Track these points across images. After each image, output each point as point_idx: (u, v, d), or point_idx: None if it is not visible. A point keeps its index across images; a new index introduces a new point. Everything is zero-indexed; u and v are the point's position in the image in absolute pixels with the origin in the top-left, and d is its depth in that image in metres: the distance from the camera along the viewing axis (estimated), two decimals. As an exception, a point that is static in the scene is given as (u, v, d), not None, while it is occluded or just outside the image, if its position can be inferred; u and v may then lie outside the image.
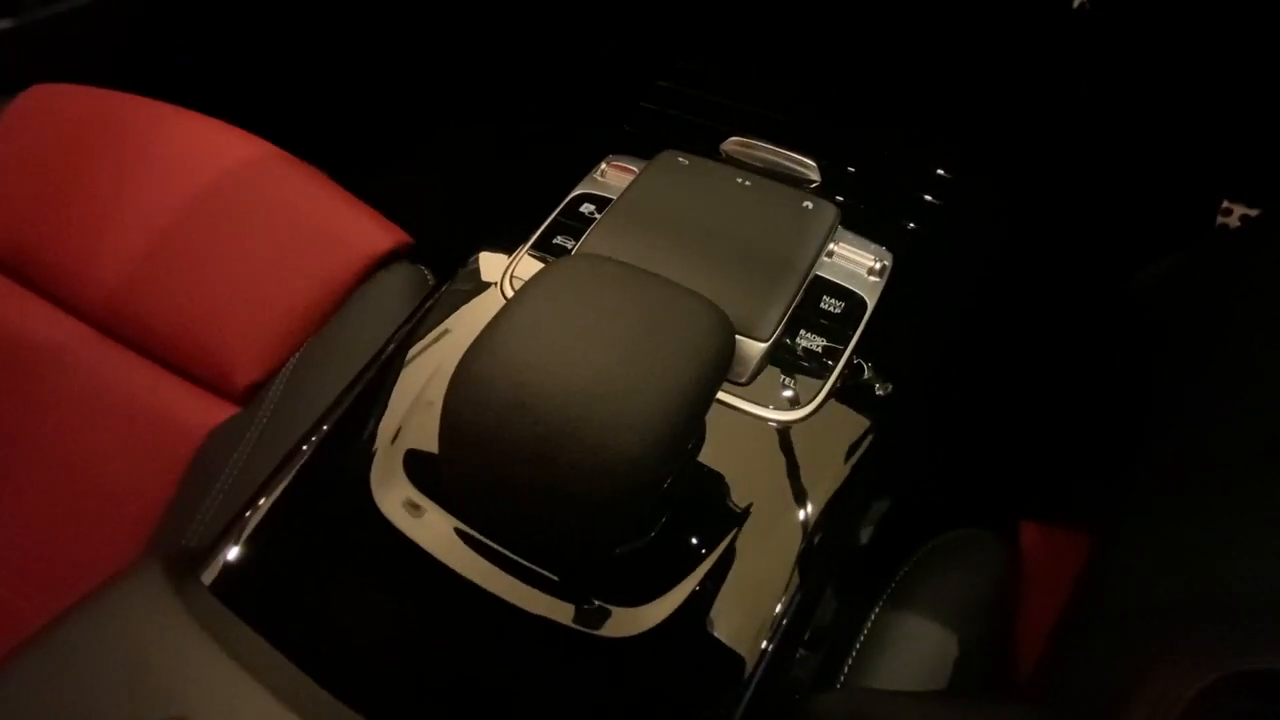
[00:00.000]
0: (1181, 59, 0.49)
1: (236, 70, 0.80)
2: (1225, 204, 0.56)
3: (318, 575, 0.31)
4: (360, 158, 0.71)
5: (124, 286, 0.51)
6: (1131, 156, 0.55)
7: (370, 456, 0.33)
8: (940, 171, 0.45)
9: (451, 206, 0.76)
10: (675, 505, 0.31)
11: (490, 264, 0.40)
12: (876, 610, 0.39)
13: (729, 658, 0.29)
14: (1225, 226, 0.56)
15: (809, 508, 0.32)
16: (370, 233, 0.53)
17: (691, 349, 0.26)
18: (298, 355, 0.49)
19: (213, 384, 0.50)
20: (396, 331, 0.39)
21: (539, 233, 0.41)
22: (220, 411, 0.49)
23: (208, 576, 0.30)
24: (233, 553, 0.31)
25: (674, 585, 0.30)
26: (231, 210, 0.52)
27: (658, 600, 0.29)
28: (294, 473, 0.33)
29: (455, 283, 0.39)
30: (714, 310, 0.28)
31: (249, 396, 0.49)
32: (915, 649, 0.38)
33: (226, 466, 0.45)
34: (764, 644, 0.29)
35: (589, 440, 0.24)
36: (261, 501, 0.32)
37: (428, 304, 0.39)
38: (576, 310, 0.26)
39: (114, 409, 0.50)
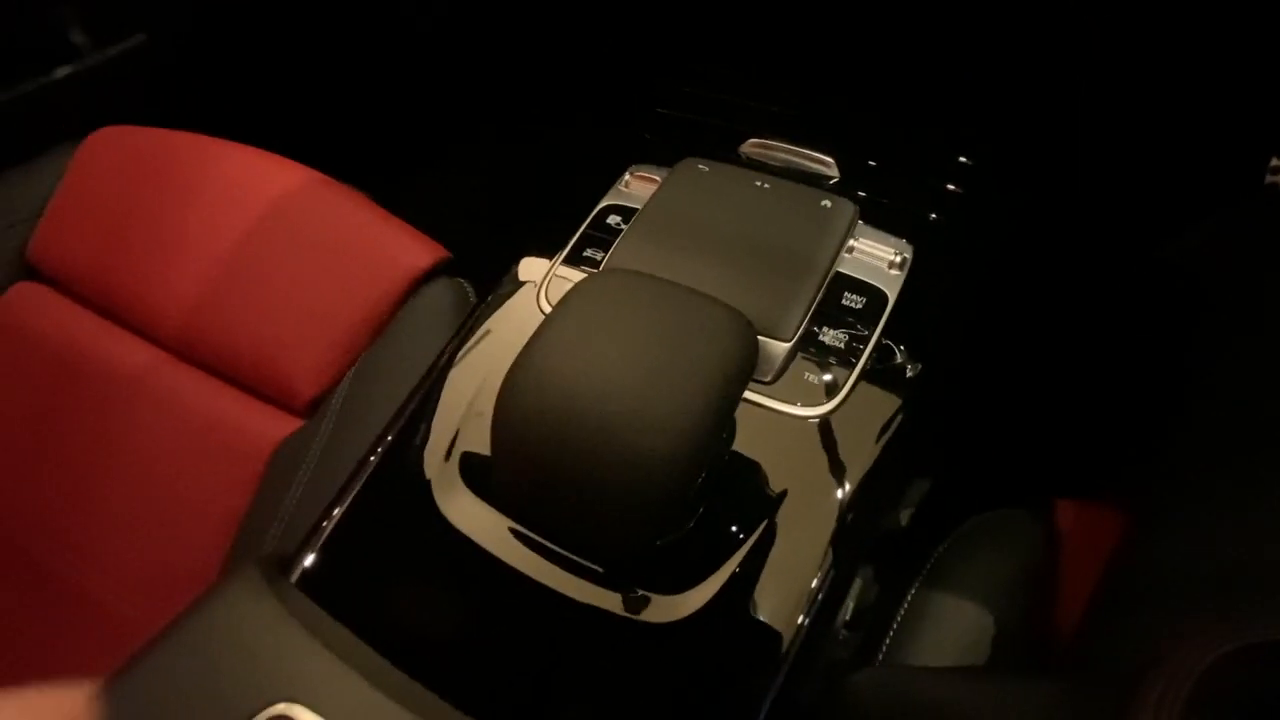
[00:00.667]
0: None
1: (273, 99, 0.84)
2: (1276, 161, 0.54)
3: (391, 573, 0.34)
4: (387, 173, 0.74)
5: (192, 313, 0.56)
6: (1167, 114, 0.53)
7: (430, 464, 0.36)
8: (959, 158, 0.45)
9: (481, 216, 0.79)
10: (711, 499, 0.33)
11: (526, 279, 0.43)
12: (914, 589, 0.40)
13: (767, 634, 0.31)
14: (1276, 185, 0.54)
15: (840, 491, 0.33)
16: (411, 250, 0.56)
17: (716, 356, 0.28)
18: (354, 369, 0.53)
19: (278, 399, 0.54)
20: (446, 346, 0.42)
21: (570, 246, 0.43)
22: (287, 425, 0.53)
23: (297, 577, 0.34)
24: (317, 555, 0.34)
25: (712, 572, 0.32)
26: (285, 236, 0.56)
27: (697, 587, 0.32)
28: (364, 481, 0.36)
29: (494, 301, 0.42)
30: (737, 316, 0.29)
31: (311, 410, 0.53)
32: (952, 626, 0.39)
33: (296, 474, 0.49)
34: (800, 619, 0.31)
35: (625, 444, 0.26)
36: (336, 510, 0.35)
37: (471, 320, 0.42)
38: (607, 325, 0.28)
39: (193, 426, 0.54)
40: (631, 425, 0.26)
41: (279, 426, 0.53)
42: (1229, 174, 0.52)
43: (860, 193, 0.43)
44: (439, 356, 0.41)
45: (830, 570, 0.32)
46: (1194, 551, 0.30)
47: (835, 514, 0.33)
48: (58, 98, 0.69)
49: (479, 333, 0.40)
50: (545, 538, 0.33)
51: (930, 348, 0.38)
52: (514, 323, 0.40)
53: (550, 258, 0.43)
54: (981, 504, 0.44)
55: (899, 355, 0.37)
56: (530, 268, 0.43)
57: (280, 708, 0.27)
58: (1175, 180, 0.56)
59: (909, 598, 0.40)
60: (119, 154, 0.62)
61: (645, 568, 0.32)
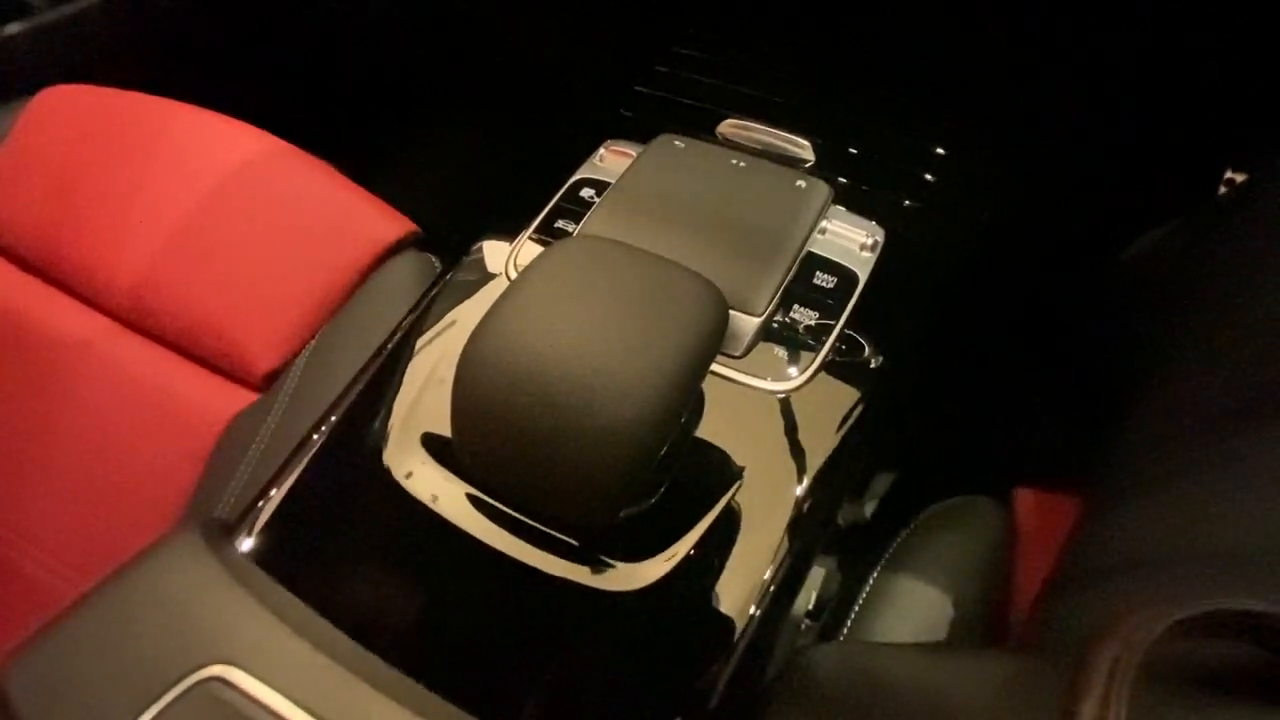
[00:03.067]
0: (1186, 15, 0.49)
1: (240, 66, 0.81)
2: (1228, 174, 0.56)
3: (342, 540, 0.33)
4: (363, 149, 0.72)
5: (143, 281, 0.53)
6: (1131, 125, 0.55)
7: (387, 430, 0.35)
8: (935, 148, 0.46)
9: (454, 195, 0.78)
10: (675, 472, 0.33)
11: (494, 250, 0.42)
12: (876, 573, 0.41)
13: (719, 621, 0.30)
14: (1224, 198, 0.56)
15: (801, 477, 0.33)
16: (378, 223, 0.54)
17: (686, 323, 0.27)
18: (313, 343, 0.51)
19: (233, 372, 0.52)
20: (405, 317, 0.41)
21: (540, 218, 0.42)
22: (241, 398, 0.51)
23: (240, 542, 0.32)
24: (262, 520, 0.33)
25: (668, 547, 0.31)
26: (243, 204, 0.54)
27: (654, 559, 0.31)
28: (318, 446, 0.35)
29: (461, 269, 0.41)
30: (708, 287, 0.29)
31: (267, 383, 0.51)
32: (913, 608, 0.40)
33: (250, 449, 0.48)
34: (752, 609, 0.31)
35: (589, 410, 0.25)
36: (286, 474, 0.34)
37: (435, 290, 0.41)
38: (576, 289, 0.28)
39: (141, 399, 0.52)
40: (598, 390, 0.25)
41: (233, 400, 0.51)
42: (1187, 185, 0.54)
43: (836, 177, 0.43)
44: (398, 326, 0.40)
45: (785, 560, 0.32)
46: (1139, 534, 0.31)
47: (793, 502, 0.33)
48: (7, 54, 0.66)
49: (442, 302, 0.39)
50: (506, 504, 0.32)
51: (897, 332, 0.38)
52: (479, 291, 0.39)
53: (520, 230, 0.42)
54: (944, 492, 0.45)
55: (866, 342, 0.37)
56: (498, 240, 0.42)
57: (214, 669, 0.26)
58: (1139, 187, 0.57)
59: (871, 580, 0.40)
60: (70, 113, 0.59)
61: (606, 539, 0.32)
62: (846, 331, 0.37)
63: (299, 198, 0.54)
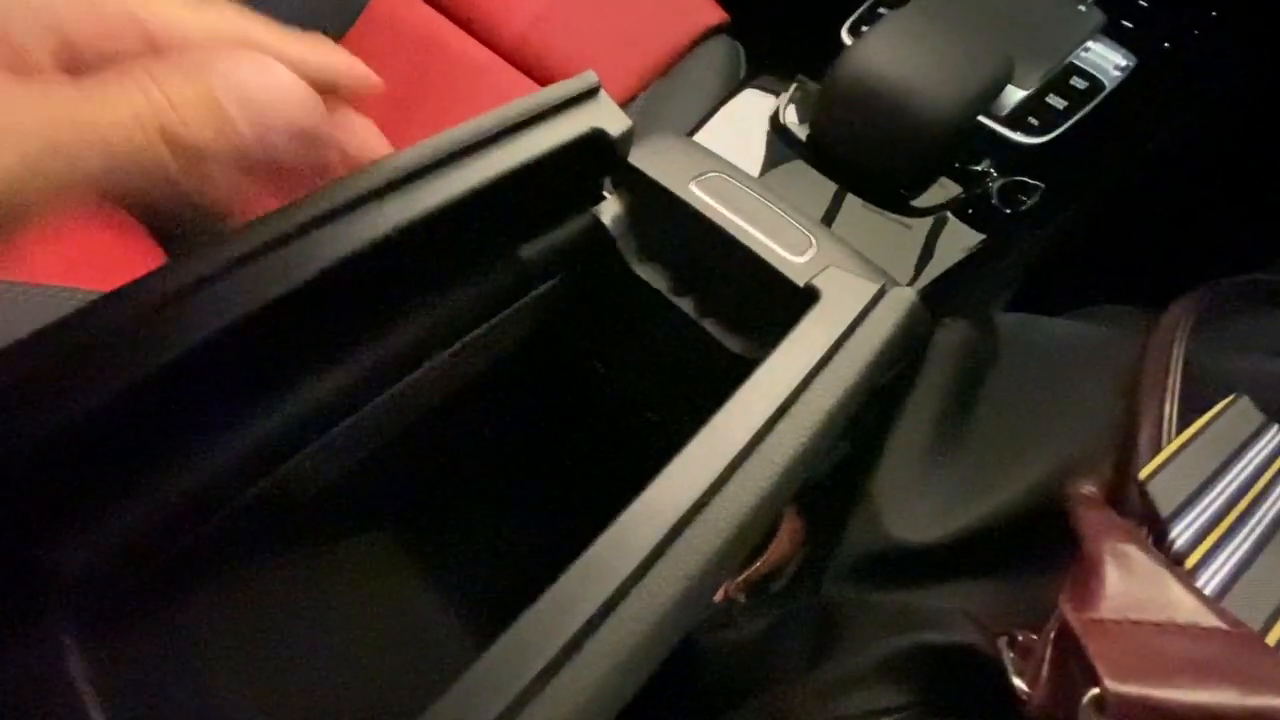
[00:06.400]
0: None
1: None
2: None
3: None
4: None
5: (527, 28, 0.73)
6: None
7: None
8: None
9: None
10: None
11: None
12: None
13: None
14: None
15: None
16: (700, 8, 0.70)
17: (981, 75, 0.42)
18: (639, 101, 0.69)
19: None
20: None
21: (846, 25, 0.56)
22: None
23: None
24: None
25: None
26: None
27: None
28: None
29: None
30: (1005, 57, 0.44)
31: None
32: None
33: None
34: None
35: (910, 105, 0.42)
36: None
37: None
38: (915, 37, 0.43)
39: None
40: (918, 94, 0.41)
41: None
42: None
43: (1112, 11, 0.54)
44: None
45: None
46: None
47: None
48: None
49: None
50: (844, 170, 0.46)
51: (1124, 136, 0.50)
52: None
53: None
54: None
55: (1094, 130, 0.49)
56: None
57: None
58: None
59: None
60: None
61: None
62: (1082, 119, 0.49)
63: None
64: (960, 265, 0.45)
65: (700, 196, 0.30)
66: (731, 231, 0.29)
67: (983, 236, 0.45)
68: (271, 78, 0.19)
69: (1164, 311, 0.32)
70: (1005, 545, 0.29)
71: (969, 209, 0.46)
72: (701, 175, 0.30)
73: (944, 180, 0.47)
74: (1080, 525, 0.22)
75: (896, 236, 0.45)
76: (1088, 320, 0.39)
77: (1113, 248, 0.64)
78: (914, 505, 0.31)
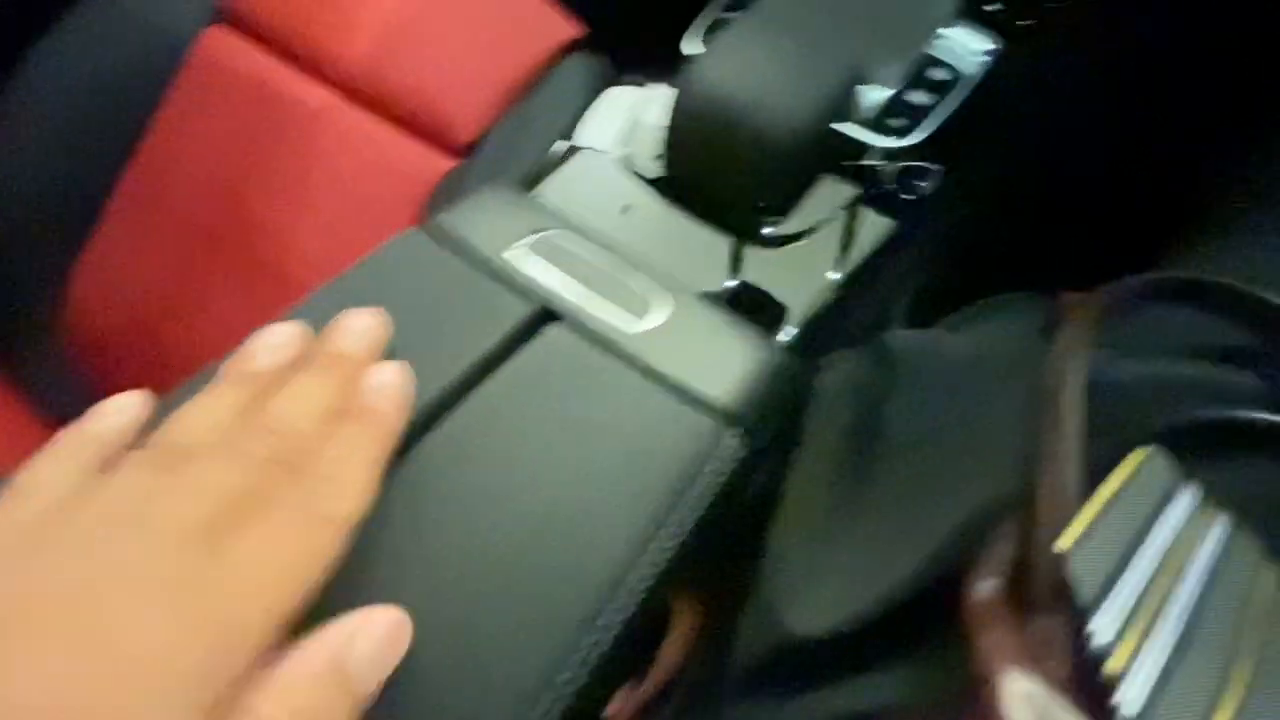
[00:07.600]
0: None
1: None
2: None
3: None
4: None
5: (367, 59, 0.66)
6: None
7: None
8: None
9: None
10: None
11: None
12: None
13: None
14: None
15: None
16: (553, 24, 0.65)
17: (830, 74, 0.39)
18: (505, 117, 0.64)
19: (438, 139, 0.65)
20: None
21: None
22: (446, 162, 0.64)
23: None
24: None
25: None
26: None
27: None
28: None
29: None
30: (854, 56, 0.40)
31: (466, 151, 0.64)
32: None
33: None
34: None
35: (754, 123, 0.37)
36: None
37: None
38: (762, 44, 0.39)
39: (366, 158, 0.66)
40: (755, 108, 0.37)
41: (440, 164, 0.65)
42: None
43: None
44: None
45: None
46: None
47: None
48: None
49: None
50: (695, 201, 0.43)
51: (992, 125, 0.47)
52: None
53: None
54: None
55: (965, 123, 0.46)
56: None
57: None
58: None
59: None
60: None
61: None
62: (950, 114, 0.47)
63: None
64: (875, 254, 0.45)
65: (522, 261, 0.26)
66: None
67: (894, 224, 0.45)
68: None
69: (1062, 303, 0.29)
70: (914, 623, 0.25)
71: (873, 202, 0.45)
72: (531, 236, 0.27)
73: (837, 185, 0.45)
74: (977, 658, 0.18)
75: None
76: (991, 319, 0.38)
77: (1012, 239, 0.63)
78: (811, 590, 0.26)
